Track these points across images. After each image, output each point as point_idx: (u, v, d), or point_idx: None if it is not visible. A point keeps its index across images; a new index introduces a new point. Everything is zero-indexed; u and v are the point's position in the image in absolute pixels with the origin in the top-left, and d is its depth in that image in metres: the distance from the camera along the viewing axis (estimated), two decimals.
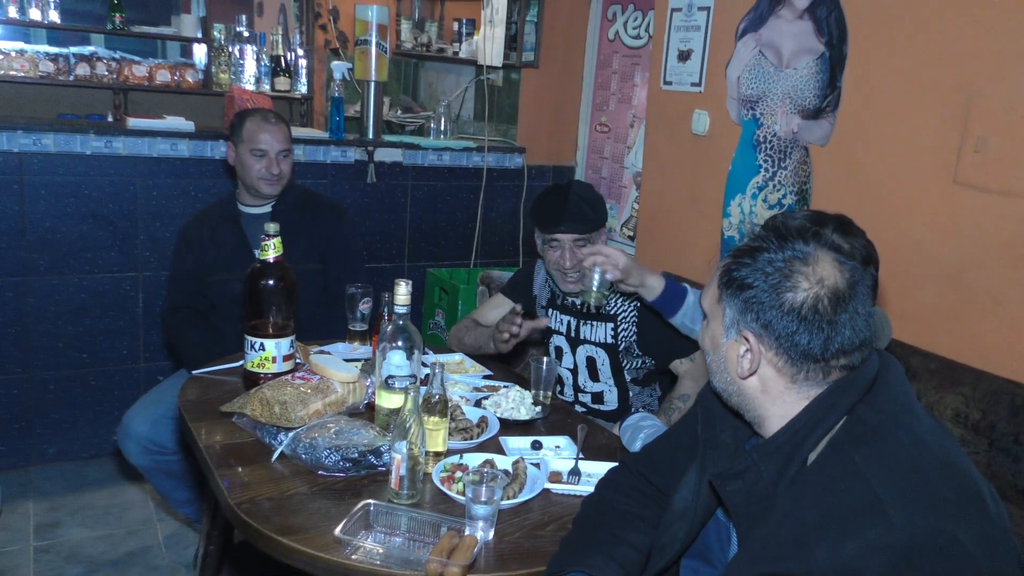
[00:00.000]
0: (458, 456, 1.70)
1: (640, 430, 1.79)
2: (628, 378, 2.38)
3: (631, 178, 3.66)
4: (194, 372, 2.11)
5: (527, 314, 2.33)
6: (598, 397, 2.43)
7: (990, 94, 2.08)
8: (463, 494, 1.55)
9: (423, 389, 1.69)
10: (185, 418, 1.85)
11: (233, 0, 4.70)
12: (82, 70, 4.03)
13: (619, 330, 2.30)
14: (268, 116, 2.63)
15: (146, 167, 3.19)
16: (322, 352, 2.18)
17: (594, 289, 2.00)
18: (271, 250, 1.92)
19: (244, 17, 4.32)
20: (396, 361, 1.70)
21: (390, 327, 1.72)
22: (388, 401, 1.74)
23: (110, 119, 3.97)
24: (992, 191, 2.08)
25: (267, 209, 2.65)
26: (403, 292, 1.72)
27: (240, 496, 1.52)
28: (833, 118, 2.49)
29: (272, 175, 2.57)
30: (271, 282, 1.92)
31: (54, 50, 4.04)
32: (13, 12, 3.96)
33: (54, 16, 4.03)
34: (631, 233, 3.57)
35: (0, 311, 3.04)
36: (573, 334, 2.37)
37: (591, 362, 2.36)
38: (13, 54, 3.94)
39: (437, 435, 1.67)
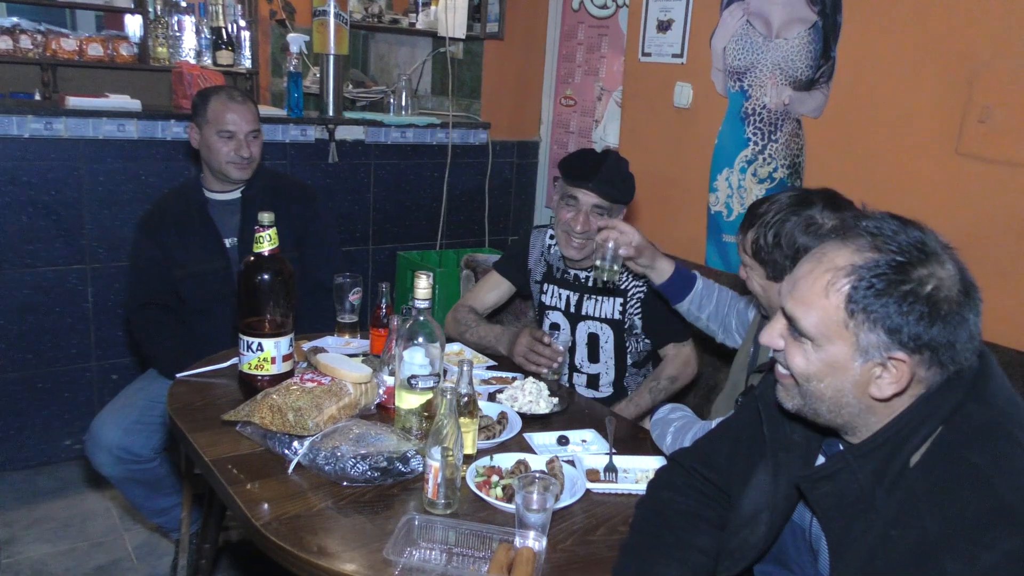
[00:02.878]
0: (488, 458, 1.59)
1: (670, 423, 1.72)
2: (629, 361, 2.31)
3: None
4: (178, 376, 1.94)
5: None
6: (593, 380, 2.35)
7: (996, 64, 2.06)
8: (502, 499, 1.46)
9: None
10: (181, 428, 1.69)
11: None
12: (3, 43, 3.69)
13: (627, 306, 2.23)
14: (233, 94, 2.44)
15: (90, 150, 2.94)
16: (317, 348, 2.04)
17: (607, 264, 1.92)
18: (266, 242, 1.76)
19: None
20: (418, 360, 1.58)
21: (409, 323, 1.60)
22: (409, 402, 1.62)
23: (38, 97, 3.65)
24: (998, 161, 2.07)
25: (236, 195, 2.47)
26: (423, 286, 1.59)
27: (265, 515, 1.38)
28: (827, 89, 2.45)
29: (242, 158, 2.39)
30: (267, 276, 1.77)
31: None
32: None
33: None
34: None
35: None
36: (573, 309, 2.28)
37: (593, 340, 2.28)
38: None
39: (467, 437, 1.56)
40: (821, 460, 1.21)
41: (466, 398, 1.55)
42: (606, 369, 2.34)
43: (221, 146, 2.38)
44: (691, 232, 2.89)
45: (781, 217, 1.62)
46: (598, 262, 1.94)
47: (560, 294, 2.30)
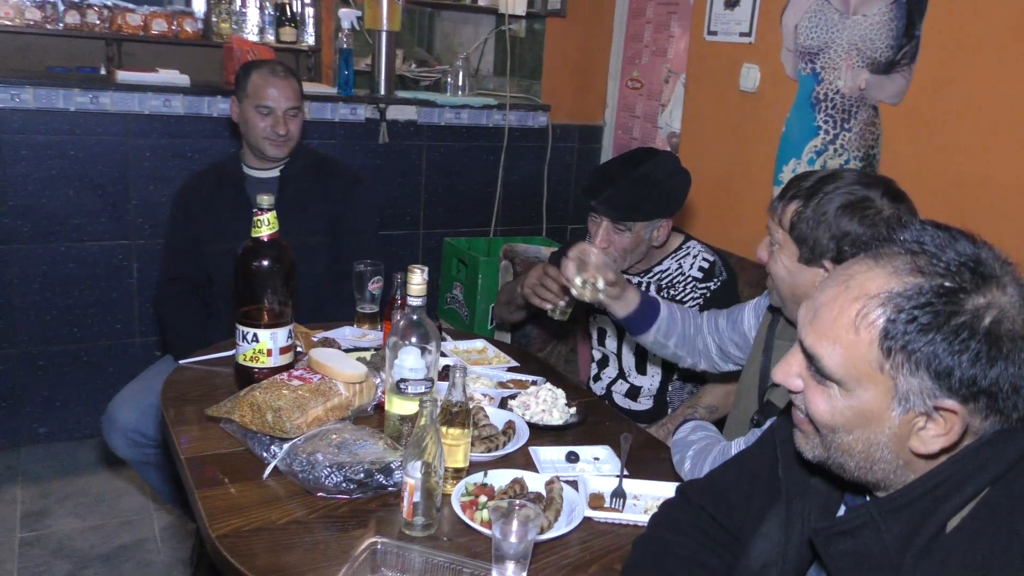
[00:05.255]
0: (482, 474, 1.44)
1: (689, 445, 1.53)
2: (676, 374, 2.13)
3: (665, 139, 3.35)
4: (181, 362, 1.86)
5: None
6: (634, 392, 2.18)
7: None
8: (487, 525, 1.31)
9: (443, 393, 1.44)
10: (166, 420, 1.61)
11: None
12: (72, 18, 3.72)
13: None
14: (276, 69, 2.35)
15: (137, 125, 2.91)
16: (326, 339, 1.93)
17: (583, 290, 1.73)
18: (265, 226, 1.65)
19: None
20: (409, 363, 1.44)
21: (402, 321, 1.46)
22: (400, 407, 1.48)
23: (103, 72, 3.68)
24: None
25: (275, 173, 2.39)
26: (418, 281, 1.45)
27: (223, 525, 1.27)
28: (908, 72, 2.18)
29: (278, 135, 2.30)
30: (265, 263, 1.66)
31: None
32: None
33: None
34: None
35: None
36: None
37: (642, 349, 2.11)
38: None
39: (458, 450, 1.42)
40: (843, 511, 1.02)
41: (457, 407, 1.41)
42: (651, 383, 2.17)
43: (258, 121, 2.30)
44: (753, 228, 2.65)
45: (833, 192, 1.40)
46: (574, 291, 1.74)
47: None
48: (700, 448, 1.51)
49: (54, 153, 2.81)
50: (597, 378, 2.27)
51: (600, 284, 1.70)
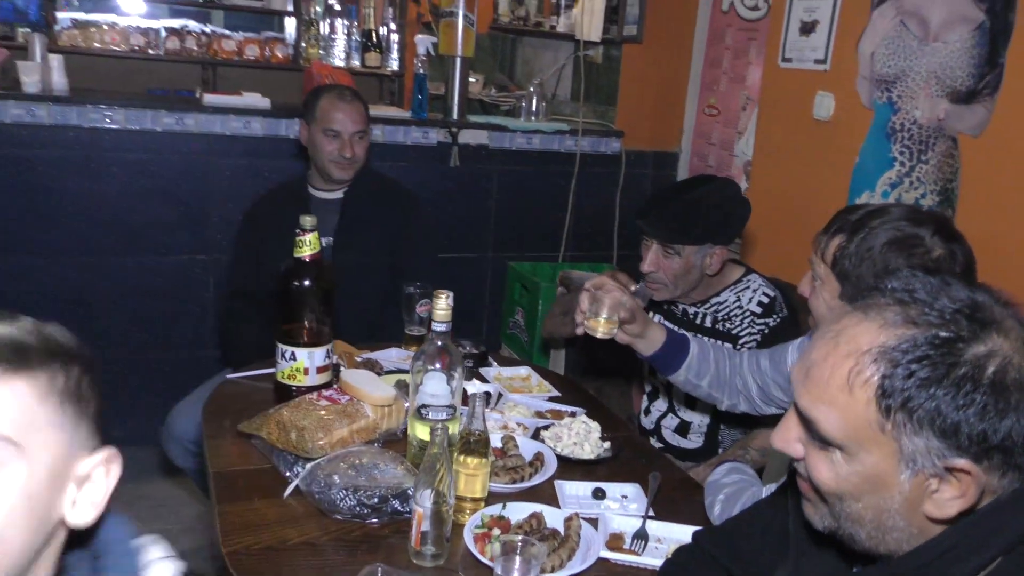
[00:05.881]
0: (500, 505, 1.42)
1: (721, 488, 1.46)
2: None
3: (741, 167, 3.26)
4: (228, 376, 1.91)
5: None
6: (684, 428, 2.11)
7: None
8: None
9: (464, 419, 1.43)
10: (204, 433, 1.65)
11: None
12: (172, 44, 3.94)
13: None
14: (344, 93, 2.41)
15: (219, 145, 3.04)
16: (371, 361, 1.95)
17: (603, 317, 1.64)
18: (306, 246, 1.69)
19: None
20: (431, 388, 1.43)
21: (426, 346, 1.46)
22: (421, 433, 1.47)
23: (198, 95, 3.88)
24: None
25: (339, 195, 2.44)
26: (443, 306, 1.44)
27: (235, 542, 1.29)
28: (991, 103, 2.05)
29: (344, 158, 2.35)
30: (307, 283, 1.69)
31: (145, 23, 3.97)
32: None
33: None
34: None
35: (70, 289, 2.96)
36: None
37: None
38: (106, 27, 3.89)
39: (476, 480, 1.40)
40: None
41: (476, 436, 1.39)
42: (700, 419, 2.09)
43: (326, 144, 2.36)
44: None
45: (880, 227, 1.32)
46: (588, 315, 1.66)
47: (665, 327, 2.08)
48: (732, 492, 1.44)
49: (141, 171, 2.96)
50: (648, 411, 2.21)
51: (614, 320, 1.62)
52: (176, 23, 4.00)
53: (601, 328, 1.63)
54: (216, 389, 1.85)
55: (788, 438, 0.88)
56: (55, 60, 2.98)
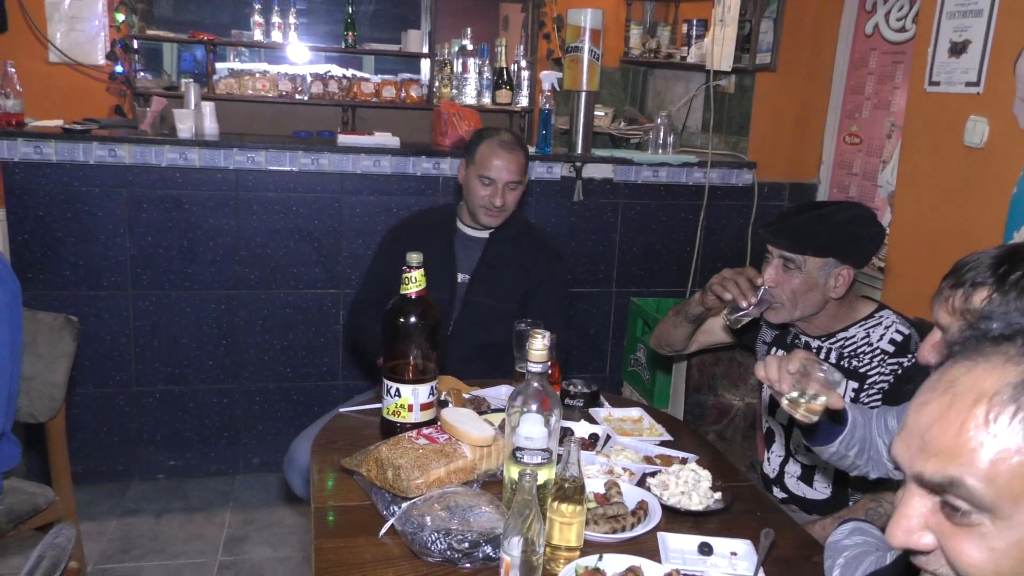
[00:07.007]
0: (597, 556, 1.35)
1: (841, 551, 1.33)
2: None
3: (885, 199, 3.04)
4: (342, 410, 1.95)
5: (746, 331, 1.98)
6: (808, 474, 1.95)
7: None
8: None
9: (558, 466, 1.37)
10: (311, 466, 1.68)
11: (463, 13, 4.65)
12: (316, 88, 4.16)
13: (862, 394, 1.83)
14: (504, 141, 2.36)
15: (351, 183, 3.16)
16: (478, 399, 1.93)
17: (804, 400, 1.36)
18: (412, 284, 1.69)
19: (468, 30, 4.25)
20: (526, 431, 1.39)
21: (523, 387, 1.42)
22: (516, 476, 1.43)
23: (339, 134, 4.06)
24: None
25: (485, 235, 2.45)
26: (539, 347, 1.40)
27: None
28: None
29: (495, 206, 2.35)
30: (412, 320, 1.70)
31: (292, 70, 4.21)
32: (259, 35, 4.19)
33: (293, 37, 4.20)
34: (882, 264, 2.96)
35: (215, 323, 3.15)
36: None
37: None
38: (257, 75, 4.15)
39: (570, 529, 1.34)
40: None
41: (570, 482, 1.33)
42: (825, 464, 1.93)
43: (479, 189, 2.35)
44: None
45: None
46: (795, 395, 1.38)
47: None
48: (853, 556, 1.31)
49: (279, 208, 3.12)
50: (768, 458, 2.07)
51: (819, 401, 1.36)
52: (321, 68, 4.21)
53: (802, 410, 1.38)
54: (327, 423, 1.89)
55: (910, 528, 0.73)
56: (207, 107, 3.21)
